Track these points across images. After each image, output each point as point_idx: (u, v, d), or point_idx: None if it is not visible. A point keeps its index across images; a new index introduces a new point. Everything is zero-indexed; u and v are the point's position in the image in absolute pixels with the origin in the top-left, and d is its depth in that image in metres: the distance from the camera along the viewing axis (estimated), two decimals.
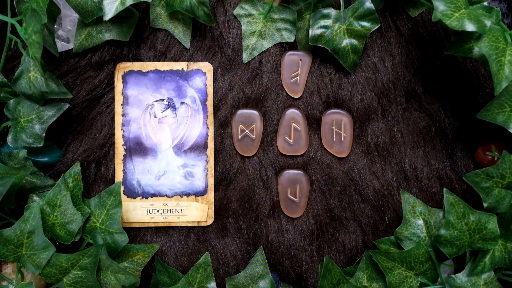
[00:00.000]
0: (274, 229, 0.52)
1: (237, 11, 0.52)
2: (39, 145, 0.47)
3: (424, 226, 0.48)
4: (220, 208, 0.52)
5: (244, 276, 0.50)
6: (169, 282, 0.50)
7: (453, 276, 0.46)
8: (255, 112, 0.52)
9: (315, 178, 0.52)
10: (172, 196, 0.52)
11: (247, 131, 0.52)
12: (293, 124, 0.52)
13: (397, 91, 0.52)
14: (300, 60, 0.52)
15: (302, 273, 0.52)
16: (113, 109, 0.52)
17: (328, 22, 0.49)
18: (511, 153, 0.44)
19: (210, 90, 0.52)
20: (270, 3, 0.51)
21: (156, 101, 0.52)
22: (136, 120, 0.52)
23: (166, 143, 0.52)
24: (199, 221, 0.52)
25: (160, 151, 0.52)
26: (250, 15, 0.52)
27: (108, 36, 0.50)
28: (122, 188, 0.51)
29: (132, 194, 0.51)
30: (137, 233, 0.52)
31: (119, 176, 0.51)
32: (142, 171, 0.52)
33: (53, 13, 0.47)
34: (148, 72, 0.52)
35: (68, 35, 0.51)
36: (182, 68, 0.52)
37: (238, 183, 0.52)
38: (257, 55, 0.52)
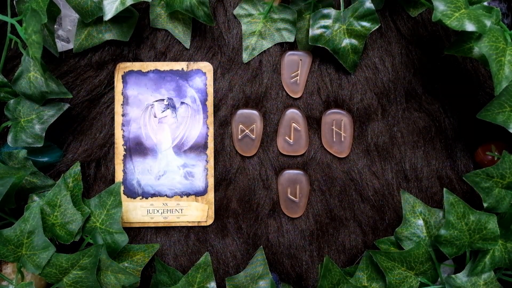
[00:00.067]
0: (274, 229, 0.52)
1: (237, 11, 0.52)
2: (39, 145, 0.47)
3: (424, 226, 0.48)
4: (220, 208, 0.52)
5: (244, 276, 0.50)
6: (169, 282, 0.50)
7: (453, 276, 0.46)
8: (255, 112, 0.52)
9: (315, 178, 0.52)
10: (172, 196, 0.52)
11: (247, 131, 0.52)
12: (293, 124, 0.52)
13: (397, 91, 0.52)
14: (300, 60, 0.52)
15: (302, 273, 0.52)
16: (113, 109, 0.52)
17: (328, 22, 0.49)
18: (511, 153, 0.44)
19: (210, 90, 0.52)
20: (270, 3, 0.51)
21: (156, 101, 0.52)
22: (136, 120, 0.52)
23: (166, 143, 0.52)
24: (199, 221, 0.52)
25: (160, 151, 0.52)
26: (250, 15, 0.52)
27: (108, 36, 0.50)
28: (122, 188, 0.51)
29: (132, 194, 0.51)
30: (137, 233, 0.52)
31: (119, 176, 0.51)
32: (142, 171, 0.52)
33: (53, 13, 0.47)
34: (148, 72, 0.52)
35: (68, 35, 0.51)
36: (182, 68, 0.52)
37: (238, 183, 0.52)
38: (257, 55, 0.52)
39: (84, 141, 0.52)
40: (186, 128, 0.52)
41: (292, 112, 0.52)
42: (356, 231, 0.52)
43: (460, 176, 0.52)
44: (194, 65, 0.52)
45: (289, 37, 0.52)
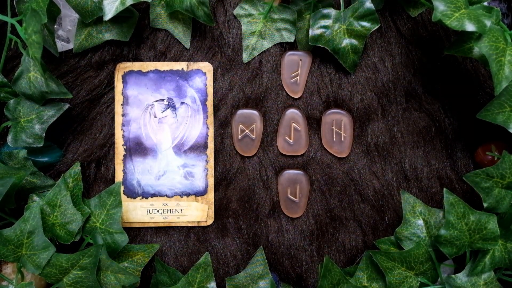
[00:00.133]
0: (274, 229, 0.52)
1: (237, 11, 0.52)
2: (39, 145, 0.47)
3: (424, 226, 0.48)
4: (220, 208, 0.52)
5: (244, 276, 0.50)
6: (169, 282, 0.50)
7: (453, 276, 0.46)
8: (255, 112, 0.52)
9: (315, 178, 0.52)
10: (172, 196, 0.52)
11: (247, 131, 0.52)
12: (293, 124, 0.52)
13: (397, 91, 0.52)
14: (300, 60, 0.52)
15: (302, 273, 0.52)
16: (113, 109, 0.52)
17: (328, 22, 0.49)
18: (511, 153, 0.44)
19: (210, 90, 0.52)
20: (270, 3, 0.51)
21: (156, 101, 0.52)
22: (136, 120, 0.52)
23: (166, 143, 0.52)
24: (199, 221, 0.52)
25: (160, 151, 0.52)
26: (250, 15, 0.52)
27: (108, 36, 0.50)
28: (122, 188, 0.51)
29: (132, 194, 0.51)
30: (137, 233, 0.52)
31: (119, 176, 0.51)
32: (142, 171, 0.52)
33: (53, 13, 0.47)
34: (148, 72, 0.52)
35: (68, 35, 0.51)
36: (182, 68, 0.52)
37: (238, 183, 0.52)
38: (257, 55, 0.52)
39: (84, 141, 0.52)
40: (186, 128, 0.52)
41: (292, 112, 0.52)
42: (356, 231, 0.52)
43: (460, 176, 0.52)
44: (194, 65, 0.52)
45: (289, 37, 0.52)
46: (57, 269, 0.45)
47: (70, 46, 0.51)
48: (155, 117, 0.52)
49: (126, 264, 0.49)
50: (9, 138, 0.47)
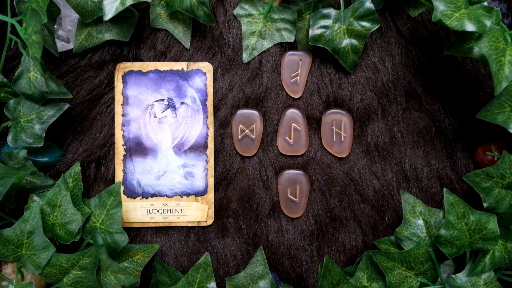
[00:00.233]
0: (274, 229, 0.52)
1: (237, 11, 0.52)
2: (39, 145, 0.47)
3: (424, 226, 0.48)
4: (220, 208, 0.52)
5: (244, 276, 0.50)
6: (169, 282, 0.50)
7: (453, 276, 0.46)
8: (255, 112, 0.52)
9: (315, 178, 0.52)
10: (172, 196, 0.52)
11: (247, 131, 0.52)
12: (293, 124, 0.52)
13: (397, 91, 0.52)
14: (300, 60, 0.52)
15: (302, 273, 0.52)
16: (113, 109, 0.52)
17: (328, 22, 0.49)
18: (511, 153, 0.44)
19: (210, 90, 0.52)
20: (270, 3, 0.51)
21: (156, 101, 0.52)
22: (136, 120, 0.52)
23: (166, 143, 0.52)
24: (199, 221, 0.52)
25: (160, 151, 0.52)
26: (250, 15, 0.52)
27: (108, 36, 0.50)
28: (122, 188, 0.51)
29: (132, 194, 0.51)
30: (137, 233, 0.52)
31: (119, 176, 0.51)
32: (142, 171, 0.52)
33: (53, 13, 0.47)
34: (148, 72, 0.52)
35: (68, 35, 0.51)
36: (182, 68, 0.52)
37: (238, 183, 0.52)
38: (257, 55, 0.52)
39: (84, 141, 0.52)
40: (186, 128, 0.52)
41: (292, 112, 0.52)
42: (356, 231, 0.52)
43: (460, 176, 0.52)
44: (194, 65, 0.52)
45: (289, 37, 0.52)
46: (57, 269, 0.45)
47: (70, 46, 0.51)
48: (155, 117, 0.52)
49: (126, 264, 0.49)
50: (9, 138, 0.47)
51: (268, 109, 0.53)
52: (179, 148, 0.52)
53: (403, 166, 0.52)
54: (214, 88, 0.52)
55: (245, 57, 0.52)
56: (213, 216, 0.52)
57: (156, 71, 0.52)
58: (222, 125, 0.52)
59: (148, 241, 0.52)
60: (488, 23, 0.42)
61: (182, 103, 0.52)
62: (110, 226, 0.47)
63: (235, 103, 0.52)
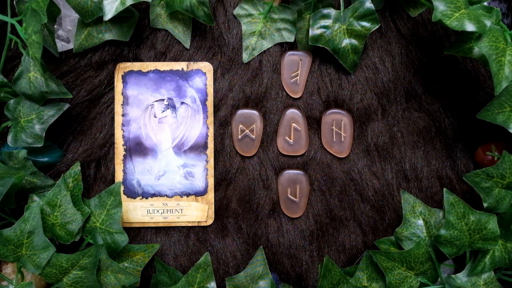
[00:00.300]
0: (274, 229, 0.52)
1: (237, 11, 0.52)
2: (39, 145, 0.47)
3: (424, 226, 0.48)
4: (220, 208, 0.52)
5: (244, 276, 0.50)
6: (169, 282, 0.50)
7: (453, 276, 0.46)
8: (255, 112, 0.52)
9: (315, 178, 0.52)
10: (172, 196, 0.52)
11: (247, 131, 0.52)
12: (293, 124, 0.52)
13: (397, 91, 0.52)
14: (300, 60, 0.52)
15: (302, 273, 0.52)
16: (113, 109, 0.52)
17: (328, 22, 0.49)
18: (511, 153, 0.44)
19: (210, 90, 0.52)
20: (270, 3, 0.51)
21: (156, 101, 0.52)
22: (136, 120, 0.52)
23: (166, 143, 0.52)
24: (199, 221, 0.52)
25: (160, 151, 0.52)
26: (250, 15, 0.52)
27: (108, 36, 0.50)
28: (122, 188, 0.51)
29: (132, 194, 0.51)
30: (137, 233, 0.52)
31: (119, 176, 0.51)
32: (142, 171, 0.52)
33: (53, 13, 0.47)
34: (148, 72, 0.52)
35: (68, 35, 0.51)
36: (182, 68, 0.52)
37: (238, 183, 0.52)
38: (257, 55, 0.52)
39: (84, 141, 0.52)
40: (186, 128, 0.52)
41: (292, 112, 0.52)
42: (356, 231, 0.52)
43: (460, 176, 0.52)
44: (194, 65, 0.52)
45: (289, 37, 0.52)
46: (57, 269, 0.45)
47: (70, 46, 0.51)
48: (155, 117, 0.52)
49: (126, 264, 0.49)
50: (9, 138, 0.47)
51: (268, 109, 0.53)
52: (179, 148, 0.52)
53: (403, 166, 0.52)
54: (214, 88, 0.52)
55: (245, 57, 0.52)
56: (213, 216, 0.52)
57: (156, 71, 0.52)
58: (222, 125, 0.52)
59: (148, 241, 0.52)
60: (488, 23, 0.42)
61: (182, 103, 0.52)
62: (110, 226, 0.47)
63: (235, 103, 0.52)
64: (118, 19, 0.49)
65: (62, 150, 0.51)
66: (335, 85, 0.52)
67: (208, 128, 0.52)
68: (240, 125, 0.52)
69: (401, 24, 0.52)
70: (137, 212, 0.51)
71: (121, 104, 0.52)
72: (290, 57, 0.52)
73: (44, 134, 0.47)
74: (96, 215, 0.48)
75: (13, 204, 0.46)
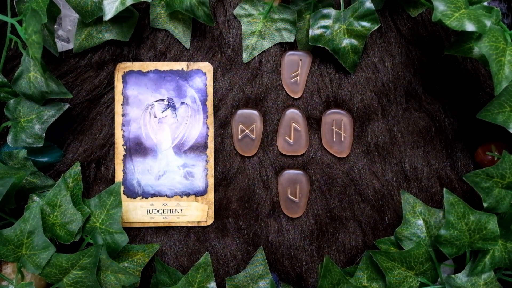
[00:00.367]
0: (274, 229, 0.52)
1: (237, 11, 0.52)
2: (39, 145, 0.47)
3: (424, 226, 0.48)
4: (220, 208, 0.52)
5: (244, 276, 0.50)
6: (169, 282, 0.50)
7: (453, 276, 0.46)
8: (255, 112, 0.52)
9: (315, 178, 0.52)
10: (172, 196, 0.52)
11: (247, 131, 0.52)
12: (293, 124, 0.52)
13: (397, 91, 0.52)
14: (300, 60, 0.52)
15: (302, 273, 0.52)
16: (113, 109, 0.52)
17: (328, 22, 0.49)
18: (511, 153, 0.44)
19: (210, 90, 0.52)
20: (270, 3, 0.51)
21: (156, 101, 0.52)
22: (136, 120, 0.52)
23: (166, 143, 0.52)
24: (199, 221, 0.52)
25: (160, 151, 0.52)
26: (250, 15, 0.52)
27: (108, 36, 0.50)
28: (122, 188, 0.51)
29: (132, 194, 0.51)
30: (137, 233, 0.52)
31: (119, 176, 0.51)
32: (142, 171, 0.52)
33: (53, 13, 0.47)
34: (148, 72, 0.52)
35: (68, 35, 0.51)
36: (182, 68, 0.52)
37: (238, 183, 0.52)
38: (257, 55, 0.52)
39: (84, 141, 0.52)
40: (186, 128, 0.52)
41: (292, 112, 0.52)
42: (356, 231, 0.52)
43: (460, 176, 0.52)
44: (194, 65, 0.52)
45: (289, 37, 0.52)
46: (57, 269, 0.45)
47: (70, 46, 0.51)
48: (155, 117, 0.52)
49: (126, 264, 0.49)
50: (9, 138, 0.47)
51: (268, 109, 0.53)
52: (179, 148, 0.52)
53: (403, 166, 0.52)
54: (214, 88, 0.52)
55: (245, 57, 0.52)
56: (213, 216, 0.52)
57: (156, 71, 0.52)
58: (222, 125, 0.52)
59: (148, 241, 0.52)
60: (488, 23, 0.42)
61: (182, 103, 0.52)
62: (110, 226, 0.47)
63: (235, 103, 0.52)
64: (118, 19, 0.49)
65: (62, 150, 0.51)
66: (335, 85, 0.52)
67: (208, 128, 0.52)
68: (240, 125, 0.52)
69: (401, 24, 0.52)
70: (137, 212, 0.51)
71: (121, 104, 0.52)
72: (290, 57, 0.52)
73: (44, 134, 0.47)
74: (96, 215, 0.48)
75: (13, 204, 0.46)
